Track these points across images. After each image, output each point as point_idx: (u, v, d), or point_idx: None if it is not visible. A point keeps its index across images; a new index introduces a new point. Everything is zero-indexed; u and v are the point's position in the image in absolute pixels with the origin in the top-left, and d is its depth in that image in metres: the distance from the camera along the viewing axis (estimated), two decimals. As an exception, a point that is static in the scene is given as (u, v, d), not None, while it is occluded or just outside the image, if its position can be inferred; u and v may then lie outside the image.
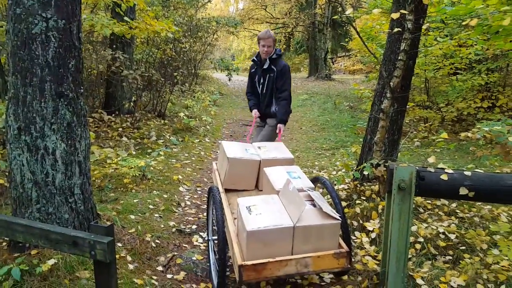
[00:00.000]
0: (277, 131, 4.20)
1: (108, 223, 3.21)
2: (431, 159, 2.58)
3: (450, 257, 3.00)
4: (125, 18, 6.64)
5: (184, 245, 3.44)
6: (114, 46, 7.78)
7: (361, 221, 3.42)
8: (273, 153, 3.43)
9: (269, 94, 4.29)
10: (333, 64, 28.31)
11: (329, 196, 3.08)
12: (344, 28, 24.06)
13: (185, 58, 10.67)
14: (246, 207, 2.60)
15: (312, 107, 11.94)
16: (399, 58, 3.59)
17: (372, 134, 4.44)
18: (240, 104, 13.77)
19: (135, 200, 4.01)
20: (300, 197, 2.53)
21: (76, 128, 2.94)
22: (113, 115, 7.95)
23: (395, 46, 4.20)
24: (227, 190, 3.33)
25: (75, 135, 2.94)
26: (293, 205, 2.54)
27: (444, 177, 2.35)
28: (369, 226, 3.33)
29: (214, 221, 2.97)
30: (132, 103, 8.26)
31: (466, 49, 7.30)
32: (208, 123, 9.14)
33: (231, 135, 8.76)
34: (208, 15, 15.43)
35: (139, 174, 4.49)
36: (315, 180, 3.13)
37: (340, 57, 29.60)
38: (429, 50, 7.19)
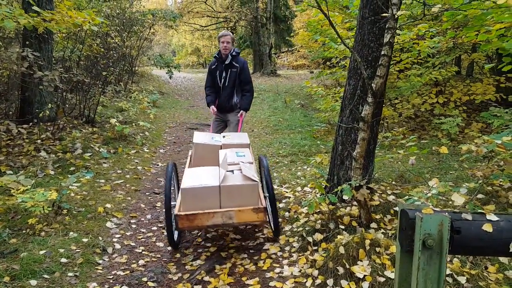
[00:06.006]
0: (239, 116, 4.78)
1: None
2: (457, 199, 1.84)
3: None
4: (34, 7, 5.37)
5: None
6: (27, 42, 6.45)
7: (347, 265, 2.64)
8: (234, 140, 3.98)
9: (231, 87, 4.70)
10: (277, 59, 27.92)
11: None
12: (288, 23, 23.61)
13: (115, 55, 9.39)
14: (189, 173, 3.22)
15: (261, 106, 11.14)
16: (382, 53, 2.86)
17: (344, 145, 3.72)
18: (184, 104, 12.64)
19: (42, 252, 2.92)
20: (226, 165, 3.21)
21: None
22: (30, 124, 6.62)
23: (368, 38, 3.51)
24: None
25: None
26: (222, 171, 3.13)
27: (487, 228, 1.62)
28: (358, 271, 2.57)
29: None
30: (53, 109, 6.93)
31: (424, 42, 6.87)
32: (147, 129, 8.00)
33: (174, 142, 7.71)
34: (143, 7, 14.06)
35: (50, 209, 3.38)
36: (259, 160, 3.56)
37: (283, 52, 29.25)
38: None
